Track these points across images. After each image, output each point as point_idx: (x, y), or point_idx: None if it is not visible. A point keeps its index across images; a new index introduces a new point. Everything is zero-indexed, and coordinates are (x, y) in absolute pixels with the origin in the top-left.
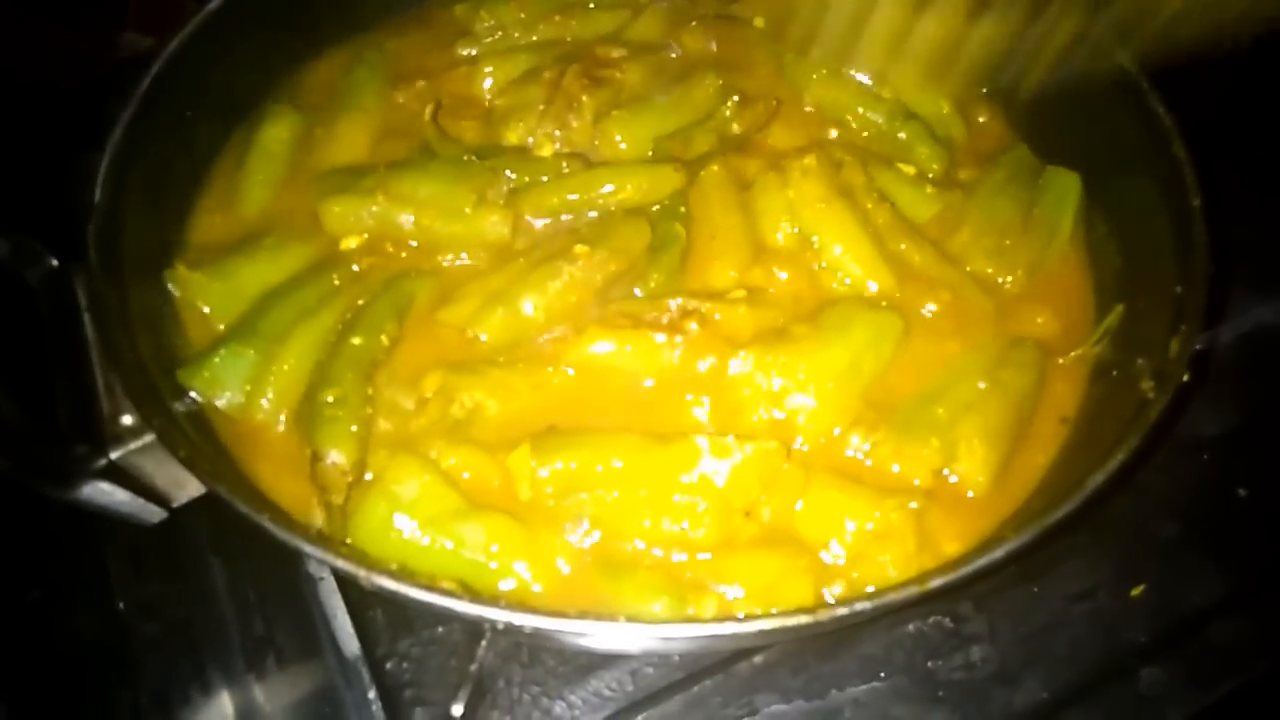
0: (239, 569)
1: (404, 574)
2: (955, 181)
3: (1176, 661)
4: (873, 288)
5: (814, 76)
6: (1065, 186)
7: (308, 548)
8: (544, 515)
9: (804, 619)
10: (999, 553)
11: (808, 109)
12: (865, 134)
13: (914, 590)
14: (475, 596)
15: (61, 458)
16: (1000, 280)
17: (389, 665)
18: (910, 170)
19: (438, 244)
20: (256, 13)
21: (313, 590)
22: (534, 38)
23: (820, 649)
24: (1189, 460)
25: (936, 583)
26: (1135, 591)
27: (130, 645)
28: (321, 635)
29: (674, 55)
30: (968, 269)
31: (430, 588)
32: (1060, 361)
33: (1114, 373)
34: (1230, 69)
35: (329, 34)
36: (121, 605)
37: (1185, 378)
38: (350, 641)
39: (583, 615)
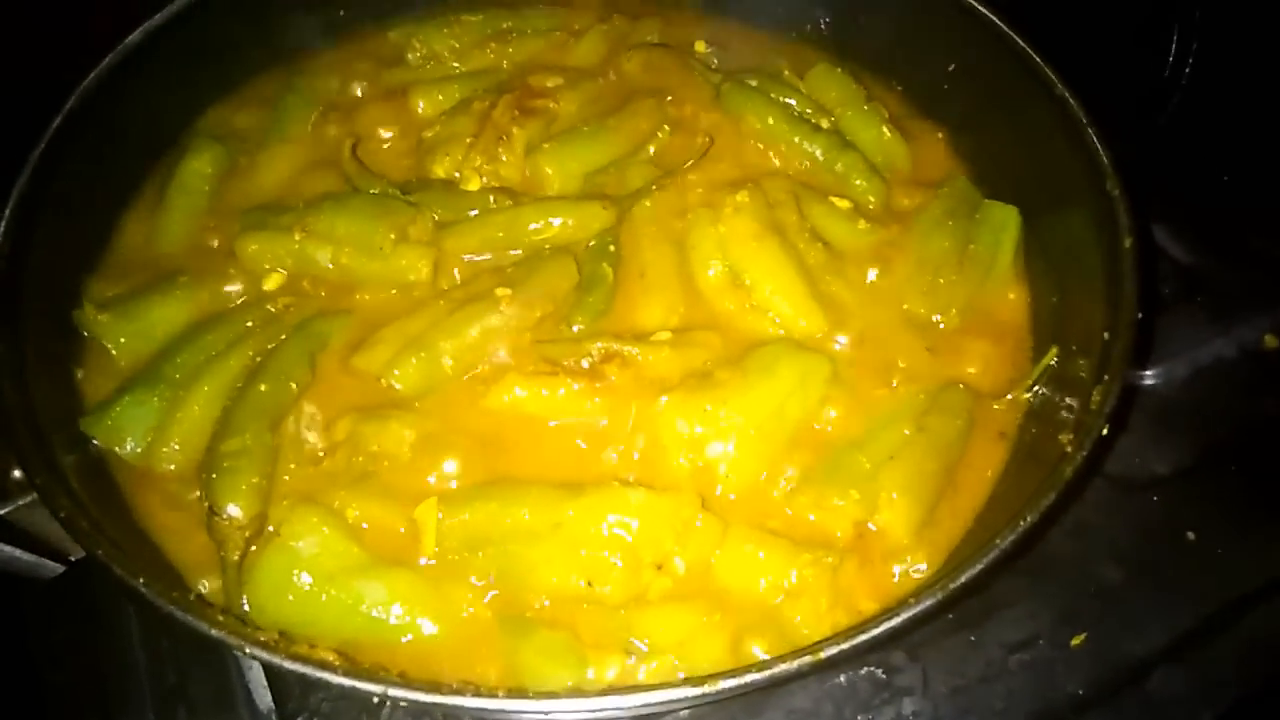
0: (154, 615)
1: (280, 645)
2: (893, 214)
3: (1115, 715)
4: (801, 324)
5: (750, 106)
6: (1002, 221)
7: (179, 614)
8: (449, 569)
9: (690, 691)
10: (896, 619)
11: (744, 140)
12: (802, 164)
13: (807, 659)
14: (351, 669)
15: None
16: (934, 319)
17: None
18: (845, 205)
19: (356, 282)
20: (180, 42)
21: None
22: (468, 66)
23: (747, 703)
24: (1136, 500)
25: (830, 651)
26: (1076, 641)
27: (39, 693)
28: (235, 687)
29: (611, 81)
30: (903, 307)
31: (306, 659)
32: (995, 407)
33: (1050, 419)
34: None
35: (259, 60)
36: (33, 649)
37: (1104, 430)
38: (263, 694)
39: (461, 690)
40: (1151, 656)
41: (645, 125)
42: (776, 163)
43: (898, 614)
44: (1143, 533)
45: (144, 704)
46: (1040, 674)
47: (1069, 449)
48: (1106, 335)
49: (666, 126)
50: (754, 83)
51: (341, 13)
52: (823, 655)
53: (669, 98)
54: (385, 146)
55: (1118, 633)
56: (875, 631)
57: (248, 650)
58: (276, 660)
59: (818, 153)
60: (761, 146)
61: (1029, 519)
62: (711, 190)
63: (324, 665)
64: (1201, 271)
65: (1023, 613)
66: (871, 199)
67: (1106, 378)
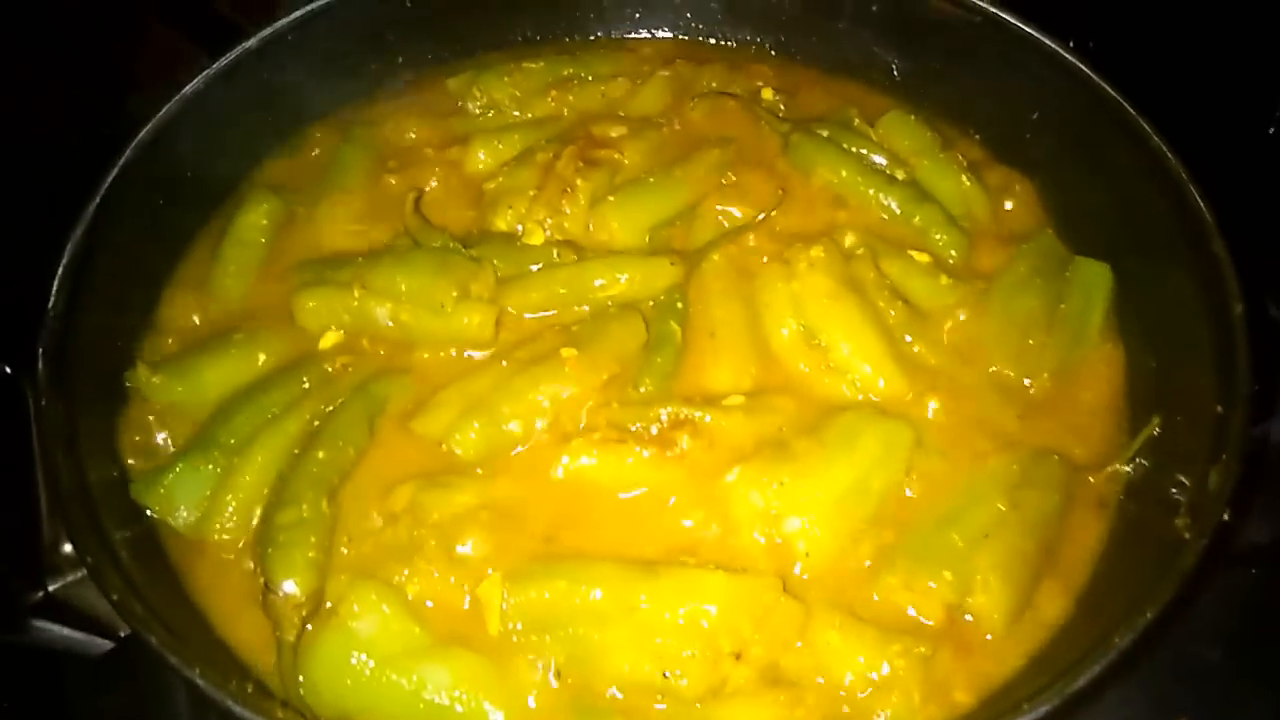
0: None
1: None
2: (975, 271)
3: None
4: (882, 386)
5: (821, 157)
6: (1095, 279)
7: (235, 708)
8: (514, 652)
9: None
10: None
11: (816, 192)
12: (877, 218)
13: None
14: None
15: None
16: (1024, 383)
17: None
18: (924, 259)
19: (416, 340)
20: (237, 92)
21: None
22: (529, 114)
23: None
24: (1237, 574)
25: None
26: None
27: None
28: None
29: (675, 131)
30: (990, 370)
31: None
32: (1090, 480)
33: (1155, 495)
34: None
35: (315, 109)
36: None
37: (1226, 515)
38: None
39: None
40: None
41: (710, 176)
42: (849, 216)
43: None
44: (1244, 608)
45: None
46: None
47: (1186, 534)
48: (1220, 409)
49: (734, 177)
50: (825, 132)
51: (400, 60)
52: None
53: (735, 148)
54: (445, 198)
55: (1220, 716)
56: None
57: None
58: None
59: (894, 205)
60: (834, 199)
61: (1149, 615)
62: (783, 245)
63: None
64: None
65: (1115, 700)
66: (953, 253)
67: (1225, 457)
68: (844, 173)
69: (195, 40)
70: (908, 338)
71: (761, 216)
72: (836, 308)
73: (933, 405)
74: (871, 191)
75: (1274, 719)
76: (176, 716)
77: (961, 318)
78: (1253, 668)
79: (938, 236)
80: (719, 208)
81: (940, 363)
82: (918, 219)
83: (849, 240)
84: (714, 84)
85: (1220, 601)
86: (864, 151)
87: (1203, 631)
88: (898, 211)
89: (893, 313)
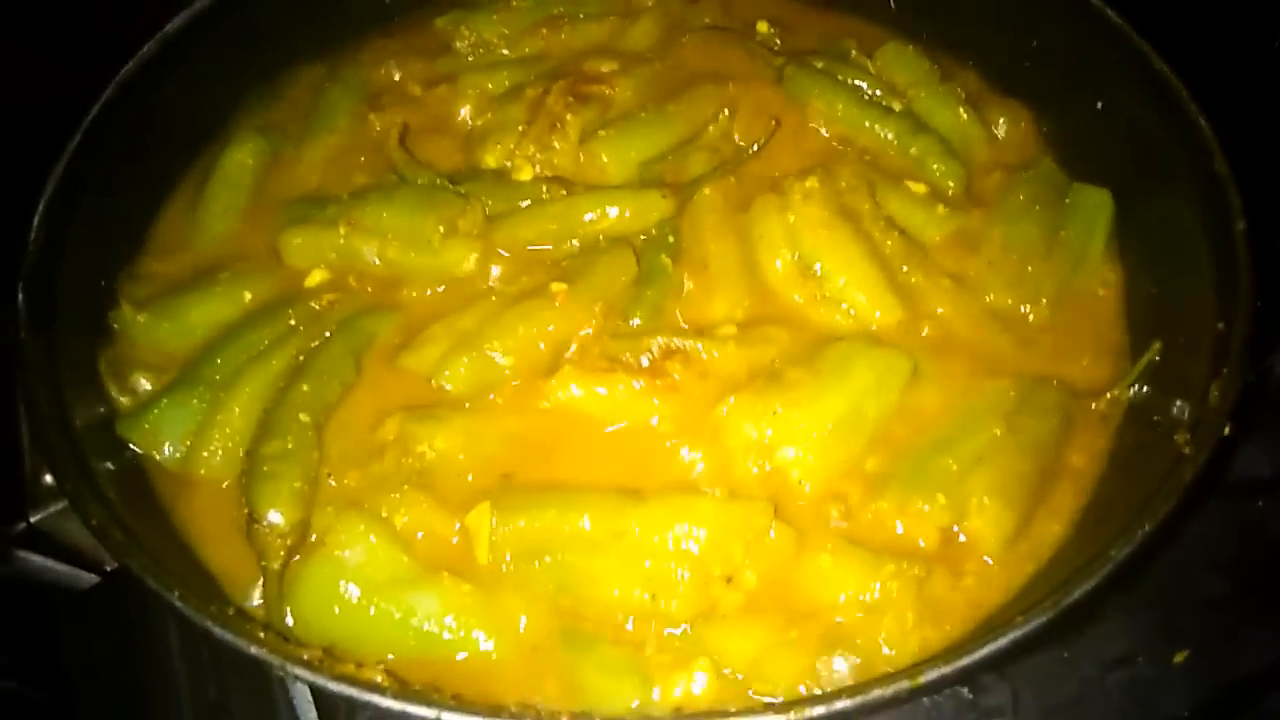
0: (194, 627)
1: (325, 665)
2: (974, 200)
3: None
4: (878, 316)
5: (816, 89)
6: (1095, 206)
7: (217, 631)
8: (504, 580)
9: (774, 717)
10: (1003, 640)
11: (811, 124)
12: (873, 149)
13: (904, 684)
14: (401, 691)
15: None
16: (1022, 310)
17: None
18: (921, 189)
19: (403, 277)
20: (221, 31)
21: None
22: (518, 53)
23: None
24: (1240, 506)
25: (929, 676)
26: (1178, 657)
27: (74, 712)
28: (279, 704)
29: (668, 66)
30: (988, 299)
31: (353, 680)
32: (1092, 406)
33: (1154, 419)
34: None
35: (301, 49)
36: (67, 666)
37: (1227, 430)
38: (309, 711)
39: (521, 713)
40: (1262, 673)
41: (705, 111)
42: (845, 149)
43: (1004, 634)
44: (1248, 540)
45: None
46: (1141, 695)
47: (1187, 450)
48: (1222, 325)
49: (727, 111)
50: (820, 64)
51: (386, 1)
52: (921, 680)
53: (730, 82)
54: (433, 136)
55: (1224, 650)
56: (979, 654)
57: (290, 670)
58: (320, 681)
59: (890, 136)
60: (829, 131)
61: (1146, 527)
62: (777, 178)
63: (372, 687)
64: None
65: (1118, 627)
66: (950, 183)
67: (1226, 371)
68: (839, 104)
69: None
70: (904, 268)
71: (755, 148)
72: (832, 237)
73: (928, 334)
74: (868, 123)
75: (1275, 652)
76: (166, 652)
77: (958, 246)
78: (1255, 601)
79: (935, 167)
80: (712, 142)
81: (936, 291)
82: (914, 149)
83: (845, 171)
84: (707, 19)
85: (1222, 535)
86: (860, 83)
87: (1205, 564)
88: (894, 142)
89: (889, 243)
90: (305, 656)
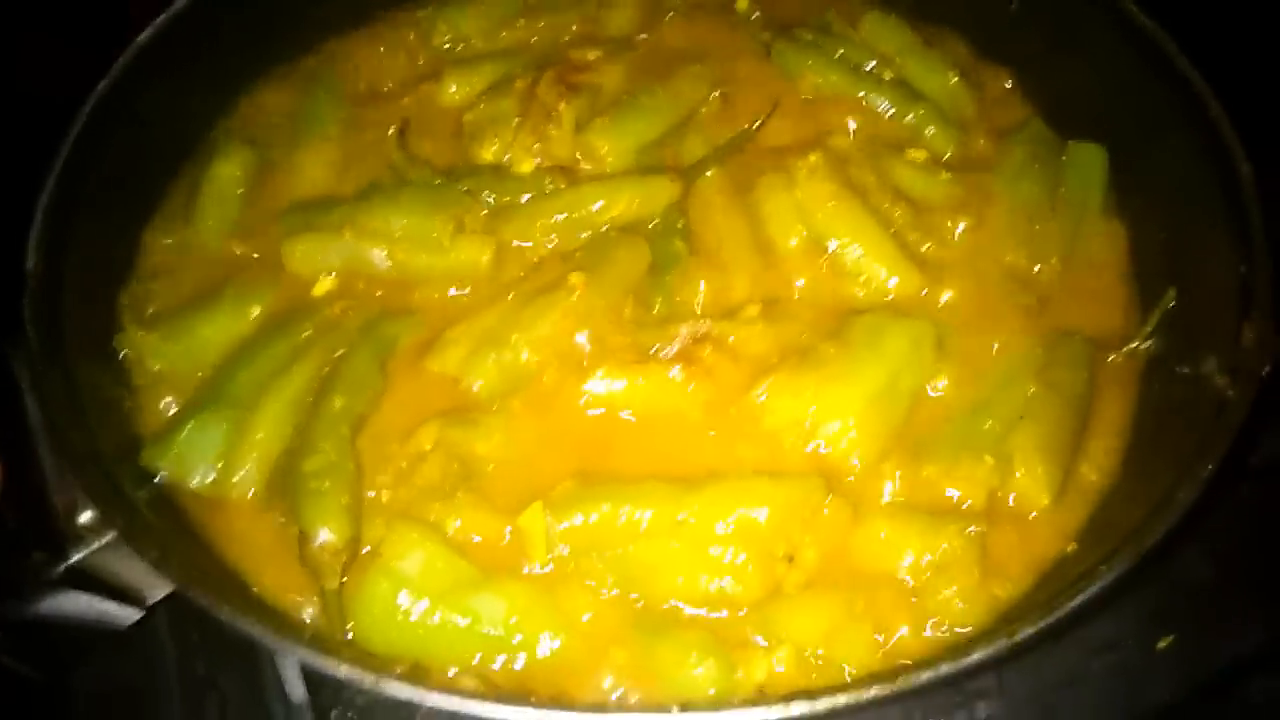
0: (184, 605)
1: (418, 676)
2: (972, 163)
3: None
4: (895, 285)
5: (808, 62)
6: (1089, 160)
7: (304, 654)
8: (566, 578)
9: (877, 690)
10: (1094, 588)
11: (805, 98)
12: (869, 120)
13: (1004, 642)
14: (500, 695)
15: (13, 570)
16: (1035, 269)
17: (334, 714)
18: (921, 155)
19: (416, 279)
20: (195, 38)
21: None
22: (498, 45)
23: None
24: (1229, 490)
25: (1027, 632)
26: (1163, 643)
27: (66, 689)
28: (268, 680)
29: (653, 50)
30: (1001, 260)
31: (452, 690)
32: (1110, 358)
33: (1183, 369)
34: None
35: (282, 51)
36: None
37: (1266, 370)
38: (297, 687)
39: (620, 707)
40: (1248, 662)
41: (697, 92)
42: (841, 119)
43: (1088, 586)
44: (1237, 525)
45: (173, 695)
46: (1126, 679)
47: (1230, 393)
48: (1243, 268)
49: (718, 91)
50: (808, 37)
51: None
52: (1019, 636)
53: (717, 60)
54: (423, 133)
55: (1210, 635)
56: (1059, 613)
57: (384, 688)
58: (419, 696)
59: (885, 105)
60: (823, 104)
61: (1209, 468)
62: (778, 155)
63: (470, 694)
64: None
65: (1105, 612)
66: (949, 148)
67: (1255, 312)
68: (832, 76)
69: None
70: (916, 235)
71: (758, 124)
72: (842, 211)
73: (948, 300)
74: (862, 93)
75: (1265, 638)
76: (155, 629)
77: (965, 211)
78: (1241, 586)
79: (931, 133)
80: (708, 123)
81: (950, 257)
82: (910, 117)
83: (846, 144)
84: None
85: (1213, 517)
86: (848, 54)
87: (1195, 548)
88: (890, 111)
89: (898, 213)
90: (398, 671)
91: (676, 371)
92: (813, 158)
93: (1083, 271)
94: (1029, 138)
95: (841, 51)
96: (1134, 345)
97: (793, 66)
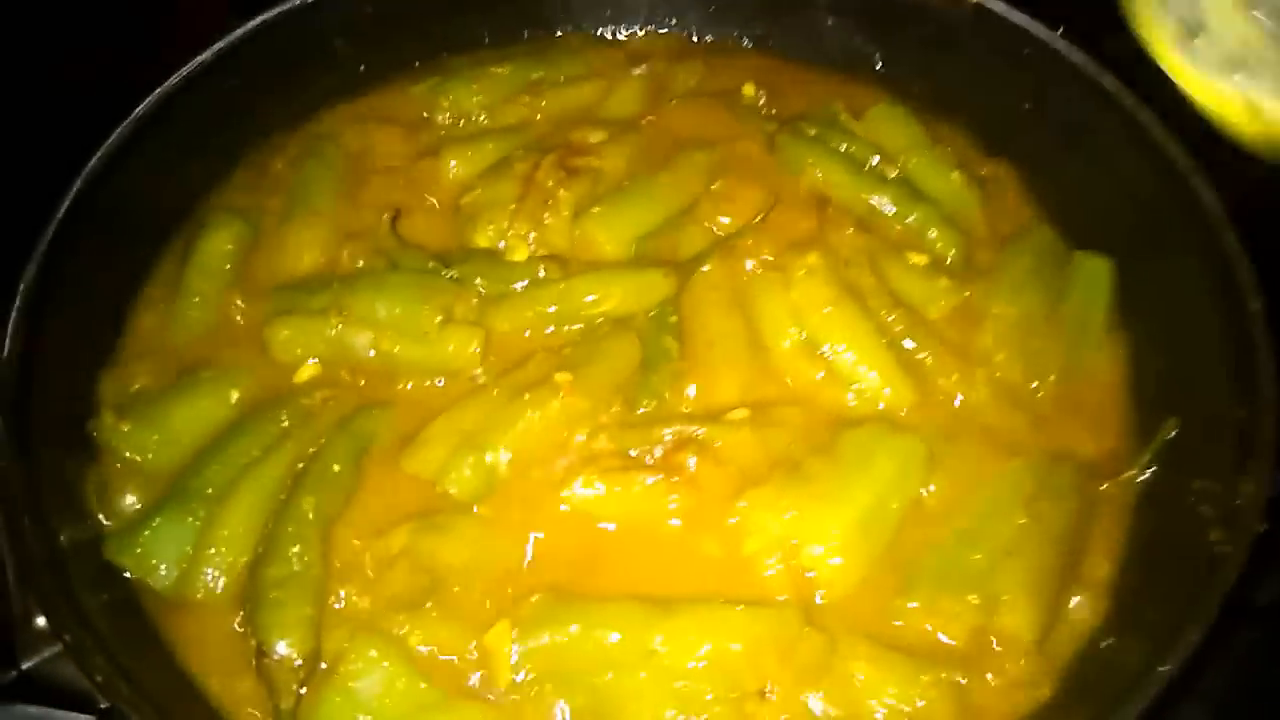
0: None
1: None
2: (972, 268)
3: None
4: (888, 394)
5: (809, 159)
6: (1095, 275)
7: None
8: (526, 704)
9: None
10: None
11: (806, 193)
12: (870, 218)
13: None
14: None
15: None
16: (1031, 386)
17: None
18: (922, 260)
19: (400, 370)
20: (192, 109)
21: None
22: (501, 122)
23: None
24: (1229, 635)
25: None
26: None
27: None
28: None
29: (657, 135)
30: (995, 376)
31: None
32: (1103, 487)
33: (1175, 503)
34: None
35: (276, 125)
36: None
37: (1263, 527)
38: None
39: None
40: None
41: (696, 180)
42: (843, 217)
43: None
44: (1235, 675)
45: None
46: None
47: (1222, 548)
48: (1243, 414)
49: (719, 182)
50: (812, 131)
51: (362, 68)
52: None
53: (720, 149)
54: (419, 213)
55: None
56: None
57: None
58: None
59: (887, 205)
60: (825, 200)
61: (1194, 636)
62: (777, 251)
63: None
64: None
65: None
66: (950, 251)
67: (1251, 464)
68: (834, 174)
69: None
70: (910, 343)
71: (759, 219)
72: (838, 316)
73: (940, 414)
74: (864, 193)
75: None
76: None
77: (962, 320)
78: None
79: (933, 235)
80: (708, 215)
81: (944, 369)
82: (912, 218)
83: (845, 245)
84: (692, 82)
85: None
86: (852, 150)
87: (1191, 699)
88: (891, 211)
89: (893, 318)
90: None
91: (659, 480)
92: (810, 258)
93: (1081, 389)
94: (1034, 246)
95: (846, 146)
96: (1129, 475)
97: (795, 161)
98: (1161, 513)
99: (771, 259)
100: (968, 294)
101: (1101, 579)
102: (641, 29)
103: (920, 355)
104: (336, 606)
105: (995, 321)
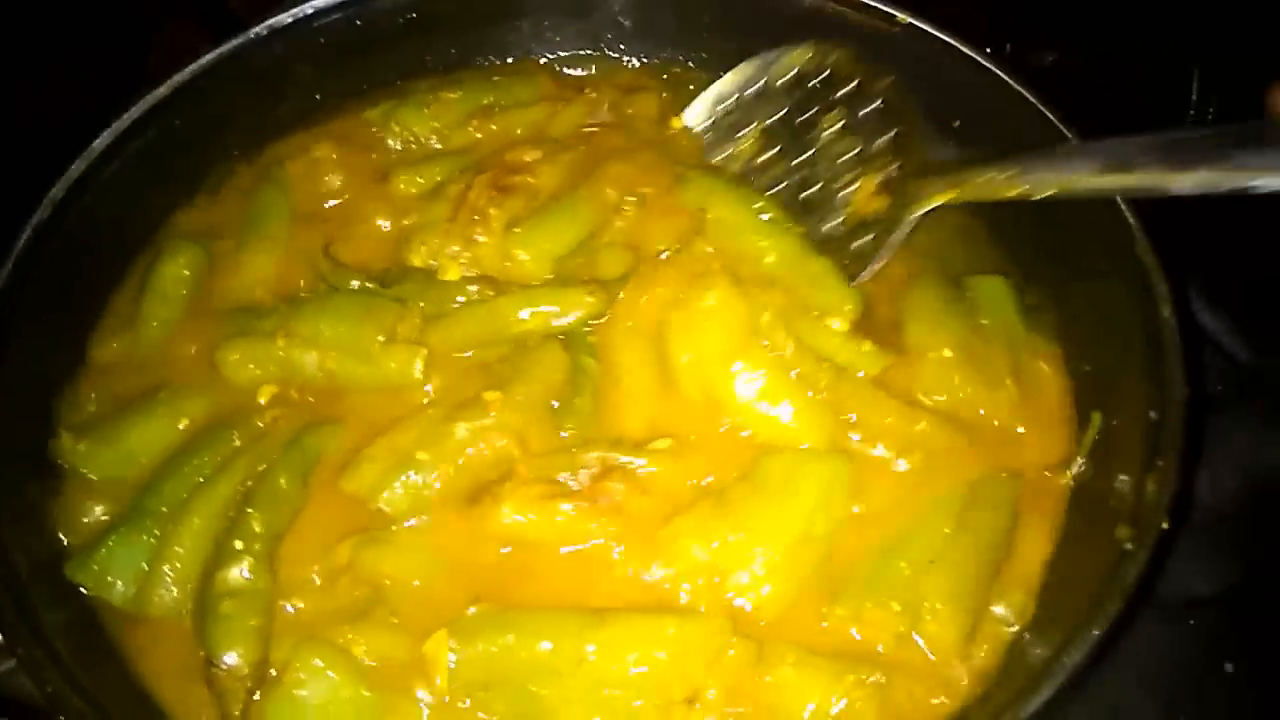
0: None
1: None
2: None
3: None
4: (800, 429)
5: (712, 197)
6: (995, 292)
7: None
8: (465, 711)
9: None
10: None
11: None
12: (770, 260)
13: None
14: None
15: None
16: (993, 396)
17: None
18: (844, 326)
19: (346, 388)
20: (150, 140)
21: None
22: (451, 146)
23: None
24: (1172, 624)
25: None
26: None
27: None
28: None
29: (588, 153)
30: (924, 393)
31: None
32: (1046, 474)
33: (1097, 502)
34: None
35: (232, 151)
36: None
37: (1165, 525)
38: None
39: None
40: None
41: (614, 194)
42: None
43: None
44: (1175, 660)
45: None
46: None
47: (1129, 546)
48: (1154, 414)
49: (634, 196)
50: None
51: (317, 97)
52: None
53: (640, 161)
54: (366, 235)
55: None
56: None
57: None
58: None
59: (788, 250)
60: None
61: (1095, 632)
62: (691, 279)
63: None
64: (1260, 371)
65: None
66: (848, 308)
67: (1160, 463)
68: (735, 214)
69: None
70: (823, 376)
71: (668, 252)
72: (745, 350)
73: (863, 436)
74: (762, 240)
75: None
76: None
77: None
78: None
79: (831, 285)
80: (626, 237)
81: (861, 395)
82: (814, 267)
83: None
84: (630, 110)
85: (1151, 651)
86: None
87: (1133, 681)
88: (789, 265)
89: (803, 359)
90: None
91: (582, 506)
92: (715, 293)
93: (1023, 398)
94: (928, 283)
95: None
96: (1072, 471)
97: (698, 200)
98: (1086, 514)
99: (683, 289)
100: (890, 354)
101: (1029, 578)
102: (592, 56)
103: (836, 382)
104: (286, 612)
105: (926, 364)
